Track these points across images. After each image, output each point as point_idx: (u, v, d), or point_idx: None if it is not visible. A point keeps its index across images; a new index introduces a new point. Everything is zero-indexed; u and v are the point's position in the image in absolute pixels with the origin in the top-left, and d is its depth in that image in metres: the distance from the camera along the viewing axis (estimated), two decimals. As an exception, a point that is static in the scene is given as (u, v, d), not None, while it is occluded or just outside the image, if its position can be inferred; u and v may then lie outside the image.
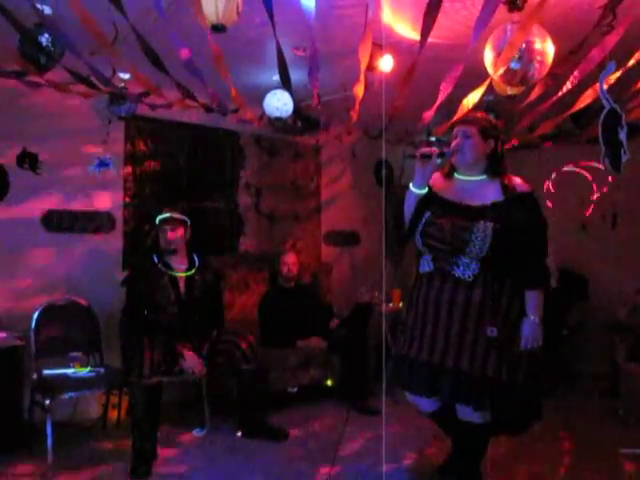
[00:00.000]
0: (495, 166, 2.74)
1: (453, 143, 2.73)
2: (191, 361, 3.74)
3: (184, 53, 2.59)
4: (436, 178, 2.78)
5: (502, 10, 2.94)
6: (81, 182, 4.36)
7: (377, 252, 4.45)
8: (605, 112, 1.42)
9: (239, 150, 5.31)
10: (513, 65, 3.05)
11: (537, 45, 3.05)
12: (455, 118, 3.85)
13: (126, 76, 3.89)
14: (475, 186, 2.73)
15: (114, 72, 3.22)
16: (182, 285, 3.93)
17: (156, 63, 2.81)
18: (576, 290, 5.47)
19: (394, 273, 5.18)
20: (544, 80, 3.23)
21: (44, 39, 3.01)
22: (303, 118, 4.85)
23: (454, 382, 2.62)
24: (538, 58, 3.03)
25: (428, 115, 3.69)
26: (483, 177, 2.74)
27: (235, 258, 5.11)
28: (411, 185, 2.71)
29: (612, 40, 2.69)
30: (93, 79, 3.13)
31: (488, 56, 3.20)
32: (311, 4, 2.26)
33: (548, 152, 5.32)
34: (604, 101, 1.42)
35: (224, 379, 4.14)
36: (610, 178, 5.07)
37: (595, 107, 3.70)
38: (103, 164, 4.01)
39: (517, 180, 2.75)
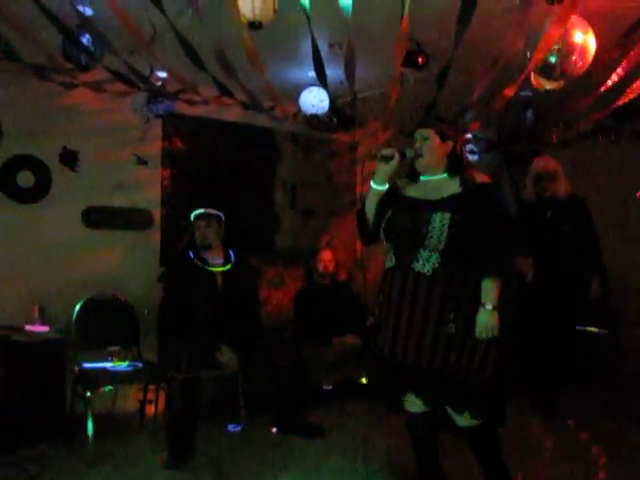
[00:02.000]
0: (455, 165, 2.77)
1: (414, 147, 2.76)
2: (228, 355, 3.77)
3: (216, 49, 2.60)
4: (404, 182, 2.84)
5: (542, 3, 2.89)
6: (120, 179, 4.44)
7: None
8: None
9: (275, 147, 5.33)
10: (551, 59, 2.99)
11: (577, 37, 2.98)
12: (497, 108, 3.81)
13: (163, 74, 3.96)
14: (437, 184, 2.76)
15: (152, 71, 3.27)
16: (219, 280, 3.97)
17: (195, 60, 2.84)
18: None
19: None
20: (586, 74, 3.17)
21: (85, 40, 3.08)
22: (339, 115, 4.85)
23: (415, 378, 2.64)
24: (578, 51, 2.97)
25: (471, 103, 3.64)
26: (444, 175, 2.78)
27: (271, 255, 5.13)
28: (371, 182, 2.79)
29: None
30: (131, 77, 3.19)
31: (526, 50, 3.16)
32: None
33: (593, 149, 5.20)
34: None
35: (260, 375, 4.15)
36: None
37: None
38: (141, 161, 4.07)
39: (478, 175, 2.78)
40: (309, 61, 3.63)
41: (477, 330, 2.57)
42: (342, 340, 4.72)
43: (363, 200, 2.88)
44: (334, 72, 3.82)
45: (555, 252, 4.13)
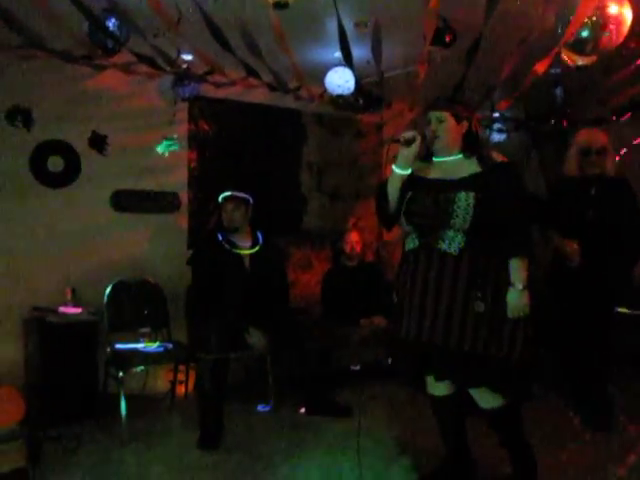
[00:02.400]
0: (471, 145, 2.74)
1: (428, 129, 2.72)
2: (256, 336, 3.81)
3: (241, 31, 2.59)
4: (417, 164, 2.77)
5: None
6: (147, 163, 4.48)
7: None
8: None
9: (301, 129, 5.31)
10: (584, 33, 2.92)
11: (611, 10, 2.90)
12: (526, 83, 3.74)
13: (189, 57, 3.96)
14: (454, 164, 2.73)
15: (179, 53, 3.27)
16: (247, 262, 3.99)
17: (221, 41, 2.84)
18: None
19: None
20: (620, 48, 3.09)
21: (111, 24, 3.09)
22: (365, 95, 4.80)
23: (443, 359, 2.61)
24: (612, 24, 2.89)
25: (499, 82, 3.58)
26: (459, 156, 2.75)
27: (298, 237, 5.14)
28: (394, 167, 2.73)
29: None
30: (158, 60, 3.20)
31: (557, 25, 3.08)
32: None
33: (621, 126, 5.06)
34: None
35: (288, 356, 4.18)
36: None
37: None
38: (171, 144, 4.09)
39: (495, 153, 2.76)
40: (335, 41, 3.60)
41: (508, 310, 2.56)
42: (369, 321, 4.72)
43: (381, 185, 2.84)
44: (360, 52, 3.78)
45: (597, 233, 3.63)
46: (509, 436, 2.79)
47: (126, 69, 3.34)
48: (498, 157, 2.74)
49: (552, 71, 3.87)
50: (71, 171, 4.31)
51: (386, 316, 4.73)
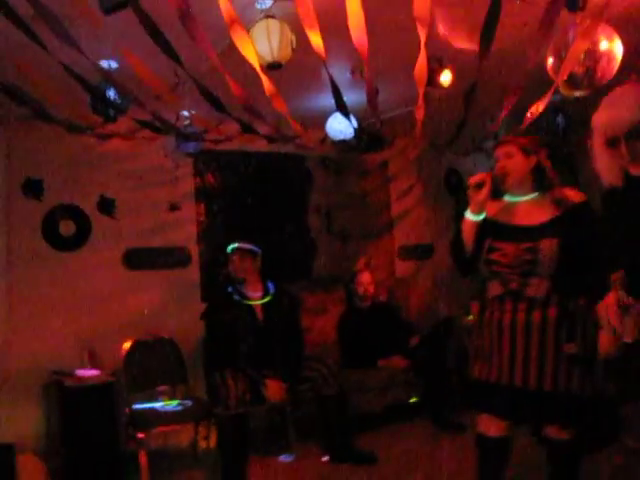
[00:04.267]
0: (542, 181, 2.67)
1: (497, 166, 2.67)
2: (273, 389, 3.78)
3: (238, 92, 2.63)
4: (491, 205, 2.72)
5: (562, 11, 2.83)
6: (156, 220, 4.53)
7: (453, 263, 4.37)
8: None
9: (306, 173, 5.35)
10: (577, 70, 2.92)
11: (603, 45, 2.91)
12: (523, 125, 3.75)
13: (189, 113, 4.03)
14: (529, 205, 2.67)
15: (177, 117, 3.33)
16: (259, 313, 4.00)
17: (216, 105, 2.88)
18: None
19: (471, 284, 5.05)
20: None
21: (111, 93, 3.16)
22: (367, 136, 4.84)
23: (539, 403, 2.56)
24: (605, 59, 2.90)
25: (495, 126, 3.60)
26: (534, 195, 2.68)
27: (310, 282, 5.14)
28: (467, 213, 2.69)
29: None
30: (158, 125, 3.26)
31: (550, 61, 3.09)
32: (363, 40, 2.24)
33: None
34: None
35: (308, 404, 4.16)
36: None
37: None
38: (174, 207, 4.16)
39: (569, 192, 2.67)
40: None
41: (601, 353, 2.47)
42: (388, 362, 4.68)
43: (456, 232, 2.76)
44: (358, 97, 3.82)
45: None
46: (565, 472, 2.70)
47: (128, 136, 3.41)
48: (574, 196, 2.66)
49: (552, 99, 3.88)
50: (83, 234, 4.39)
51: (405, 355, 4.70)
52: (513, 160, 2.64)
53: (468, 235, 2.69)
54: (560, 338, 2.52)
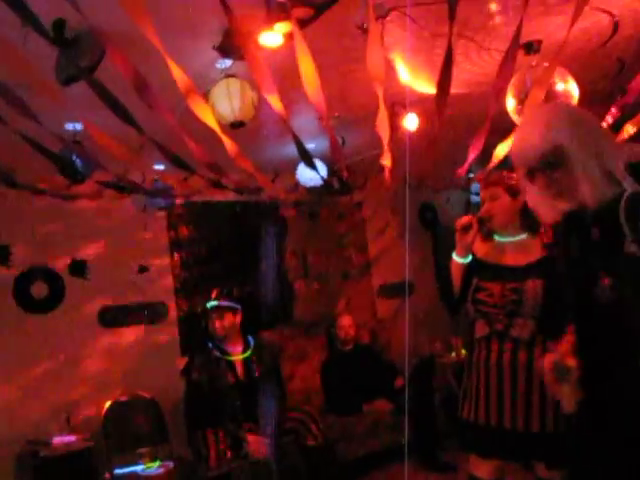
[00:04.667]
0: (530, 221, 2.64)
1: (482, 209, 2.67)
2: (255, 444, 3.70)
3: (198, 154, 2.63)
4: (476, 243, 2.72)
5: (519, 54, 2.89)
6: (131, 276, 4.47)
7: (434, 299, 4.36)
8: (628, 194, 1.25)
9: (280, 219, 5.35)
10: (537, 111, 2.97)
11: (559, 87, 2.96)
12: (490, 166, 3.78)
13: (161, 167, 4.02)
14: (518, 246, 2.67)
15: (144, 179, 3.31)
16: (240, 369, 3.94)
17: (181, 165, 2.87)
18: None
19: (453, 320, 5.04)
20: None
21: (76, 157, 3.14)
22: (338, 180, 4.85)
23: (528, 444, 2.53)
24: (562, 99, 2.95)
25: (462, 171, 3.62)
26: (523, 236, 2.67)
27: (290, 328, 5.09)
28: (454, 255, 2.69)
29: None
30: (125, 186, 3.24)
31: (510, 103, 3.14)
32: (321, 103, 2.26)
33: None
34: (625, 184, 1.27)
35: (293, 457, 4.07)
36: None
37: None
38: (143, 270, 4.13)
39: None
40: (304, 135, 3.69)
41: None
42: (372, 406, 4.62)
43: (444, 271, 2.76)
44: (327, 142, 3.85)
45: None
46: None
47: (95, 196, 3.38)
48: None
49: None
50: (56, 295, 4.31)
51: (389, 399, 4.64)
52: (499, 202, 2.63)
53: (456, 276, 2.68)
54: None
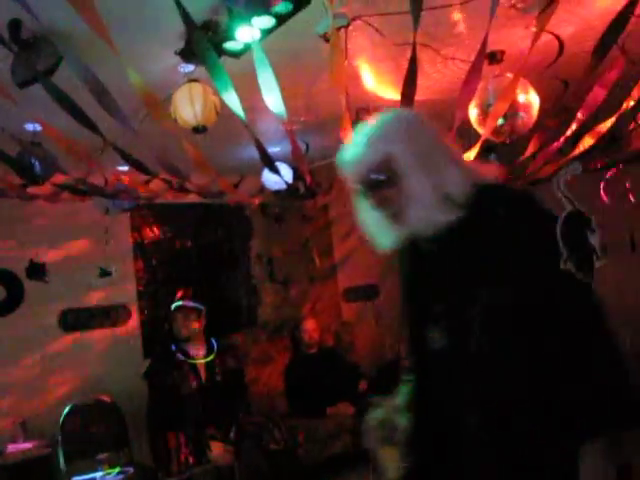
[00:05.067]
0: None
1: None
2: (217, 451, 3.69)
3: (159, 160, 2.60)
4: None
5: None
6: (93, 280, 4.39)
7: (398, 302, 4.37)
8: (565, 214, 1.27)
9: (246, 221, 5.32)
10: (499, 121, 3.01)
11: (520, 98, 3.02)
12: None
13: (124, 168, 3.95)
14: None
15: (106, 182, 3.26)
16: (203, 372, 3.91)
17: (141, 169, 2.83)
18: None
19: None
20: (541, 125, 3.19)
21: (34, 159, 3.07)
22: (304, 184, 4.84)
23: None
24: (523, 110, 3.00)
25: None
26: None
27: (254, 331, 5.07)
28: None
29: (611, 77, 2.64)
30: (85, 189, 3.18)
31: (473, 113, 3.18)
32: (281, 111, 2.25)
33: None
34: (564, 202, 1.30)
35: (256, 460, 4.06)
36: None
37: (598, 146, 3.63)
38: (105, 273, 4.06)
39: None
40: (269, 139, 3.68)
41: None
42: (336, 409, 4.63)
43: None
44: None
45: None
46: None
47: (54, 198, 3.31)
48: None
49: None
50: (14, 298, 4.21)
51: (353, 402, 4.65)
52: None
53: None
54: None
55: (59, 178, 3.16)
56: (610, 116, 3.10)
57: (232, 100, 2.21)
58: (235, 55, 2.51)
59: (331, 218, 5.83)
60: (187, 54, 2.52)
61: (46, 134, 2.43)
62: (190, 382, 3.85)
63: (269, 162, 2.92)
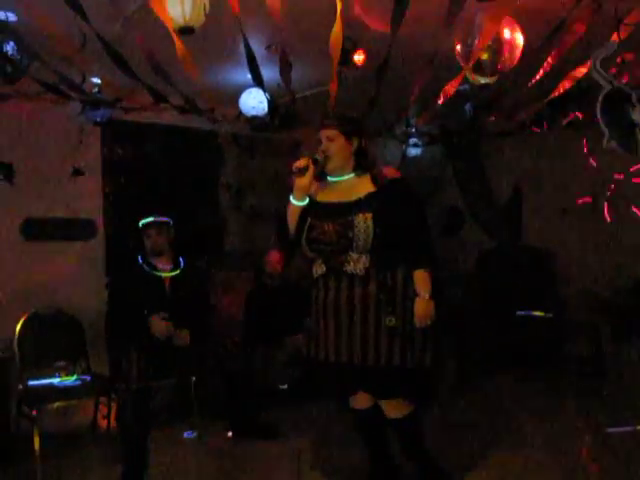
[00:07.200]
0: (363, 162, 2.77)
1: (319, 149, 2.76)
2: (157, 325, 3.69)
3: (146, 53, 2.55)
4: (313, 186, 2.81)
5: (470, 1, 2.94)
6: (60, 190, 4.33)
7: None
8: (604, 93, 1.32)
9: (218, 149, 5.28)
10: (483, 56, 3.05)
11: (506, 35, 3.05)
12: (432, 110, 3.86)
13: (98, 80, 3.86)
14: (348, 184, 2.76)
15: (84, 79, 3.18)
16: (167, 285, 3.92)
17: (124, 69, 2.78)
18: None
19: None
20: (518, 68, 3.25)
21: (9, 47, 2.96)
22: (280, 115, 4.82)
23: (364, 377, 2.69)
24: (508, 48, 3.04)
25: (404, 113, 3.70)
26: (352, 175, 2.77)
27: (219, 258, 5.09)
28: (291, 198, 2.78)
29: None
30: (63, 87, 3.10)
31: (458, 47, 3.21)
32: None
33: (531, 138, 5.33)
34: (602, 82, 1.33)
35: (212, 380, 4.13)
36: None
37: (573, 93, 3.71)
38: (78, 172, 3.98)
39: (387, 170, 2.81)
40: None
41: (416, 319, 2.62)
42: (295, 339, 4.71)
43: (280, 214, 2.87)
44: (273, 73, 3.80)
45: None
46: (413, 444, 2.88)
47: (30, 98, 3.21)
48: (390, 173, 2.77)
49: (461, 88, 4.03)
50: (-24, 201, 4.12)
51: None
52: (335, 143, 2.72)
53: (292, 218, 2.79)
54: (380, 312, 2.62)
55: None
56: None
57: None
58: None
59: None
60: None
61: (29, 14, 2.34)
62: (153, 294, 3.84)
63: (256, 72, 2.91)
